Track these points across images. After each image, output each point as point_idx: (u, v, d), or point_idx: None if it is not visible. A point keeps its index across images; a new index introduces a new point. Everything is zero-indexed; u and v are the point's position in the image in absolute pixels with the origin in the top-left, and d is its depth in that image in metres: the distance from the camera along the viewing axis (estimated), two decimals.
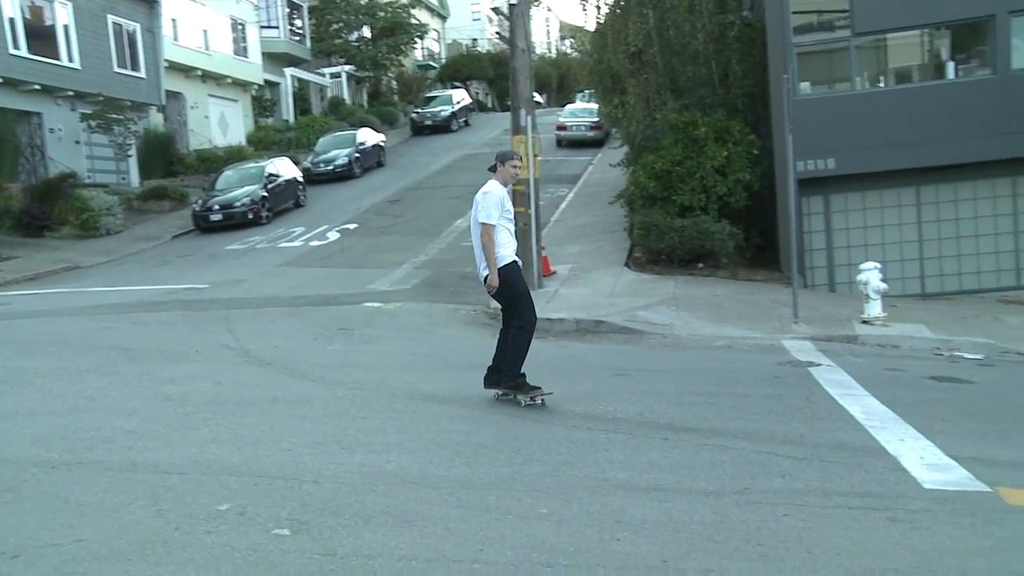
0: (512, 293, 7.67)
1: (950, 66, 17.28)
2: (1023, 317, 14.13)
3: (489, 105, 59.61)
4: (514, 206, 15.32)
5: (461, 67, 59.27)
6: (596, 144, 33.72)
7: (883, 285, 13.09)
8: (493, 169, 8.00)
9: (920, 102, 16.65)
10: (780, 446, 6.50)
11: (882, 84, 17.83)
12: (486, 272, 7.64)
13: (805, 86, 17.26)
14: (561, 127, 35.69)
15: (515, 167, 7.97)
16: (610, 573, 4.24)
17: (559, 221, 22.10)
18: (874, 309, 12.89)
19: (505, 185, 7.91)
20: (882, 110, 16.66)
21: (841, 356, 10.71)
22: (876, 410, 7.70)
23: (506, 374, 7.70)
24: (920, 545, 4.60)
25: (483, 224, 7.61)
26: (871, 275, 13.00)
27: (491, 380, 7.90)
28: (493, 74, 56.78)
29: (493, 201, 7.65)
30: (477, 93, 59.27)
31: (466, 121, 43.74)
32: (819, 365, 9.98)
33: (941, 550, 4.53)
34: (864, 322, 12.79)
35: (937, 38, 17.74)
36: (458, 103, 43.73)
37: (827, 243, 17.30)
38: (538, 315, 13.05)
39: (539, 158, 15.94)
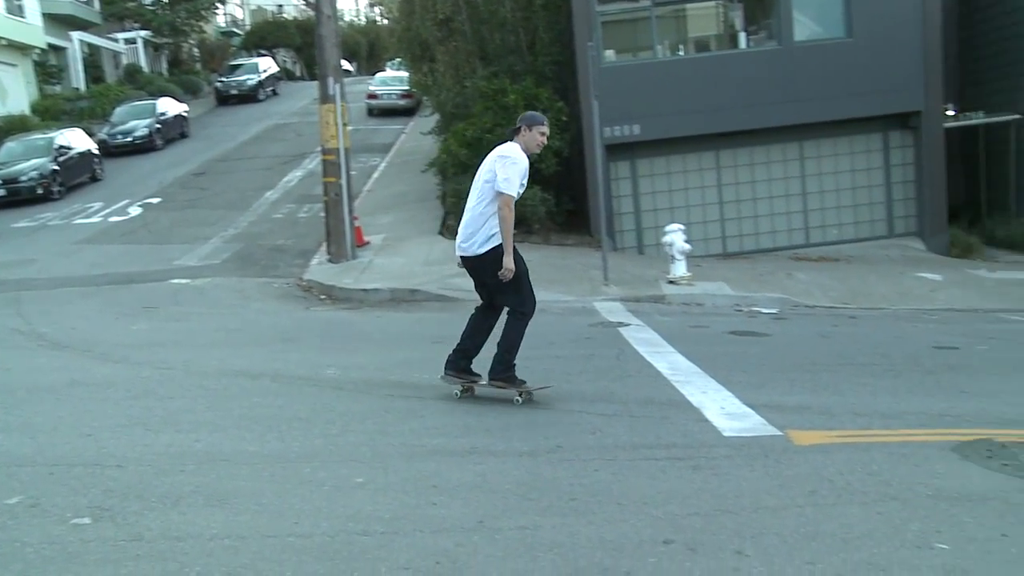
0: (514, 274, 6.46)
1: (742, 37, 18.16)
2: (812, 273, 15.11)
3: (298, 74, 57.98)
4: (324, 176, 15.24)
5: (267, 34, 57.26)
6: (408, 112, 33.50)
7: (687, 246, 13.68)
8: (515, 132, 6.60)
9: (717, 70, 17.41)
10: (591, 404, 6.70)
11: (682, 53, 18.51)
12: (483, 249, 6.43)
13: (610, 54, 17.72)
14: (372, 96, 35.21)
15: (543, 134, 6.60)
16: (427, 537, 4.25)
17: (372, 191, 21.84)
18: (679, 269, 13.46)
19: (527, 154, 6.51)
20: (683, 78, 17.33)
21: (649, 315, 11.13)
22: (681, 365, 8.05)
23: (498, 363, 6.63)
24: (719, 489, 4.85)
25: (501, 194, 6.31)
26: (676, 237, 13.56)
27: (457, 367, 6.81)
28: (300, 42, 55.12)
29: (518, 170, 6.35)
30: (285, 61, 57.54)
31: (274, 90, 42.43)
32: (628, 325, 10.33)
33: (738, 492, 4.79)
34: (670, 282, 13.34)
35: (731, 10, 18.61)
36: (265, 72, 42.31)
37: (635, 207, 17.90)
38: (352, 286, 13.04)
39: (349, 127, 15.69)
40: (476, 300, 6.88)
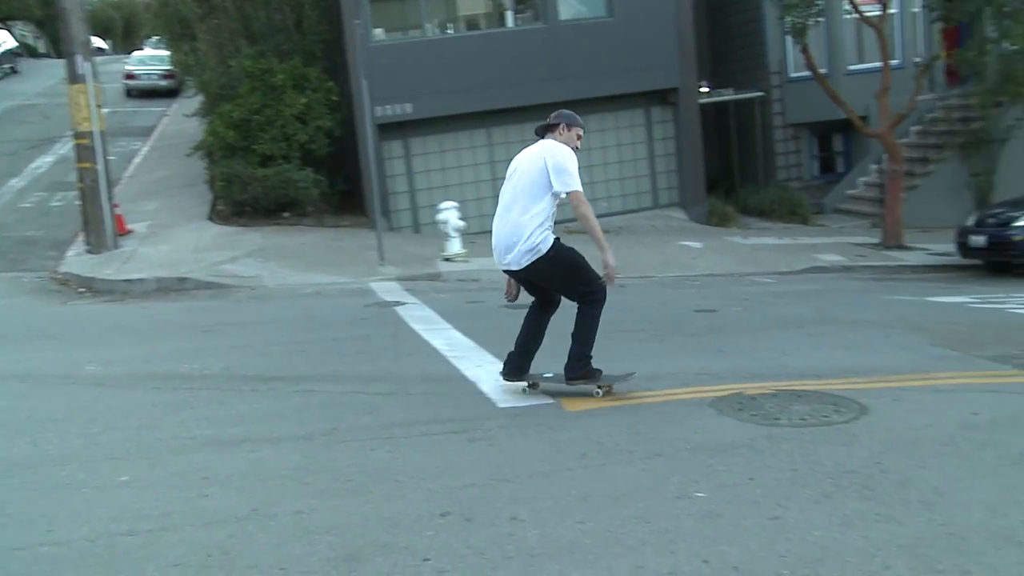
0: (571, 265, 6.00)
1: (509, 16, 18.49)
2: (582, 245, 15.55)
3: (42, 51, 53.68)
4: (78, 162, 14.25)
5: None
6: (171, 93, 31.84)
7: (462, 223, 13.83)
8: (546, 130, 6.10)
9: (486, 49, 17.65)
10: (368, 384, 6.66)
11: (452, 31, 18.61)
12: (534, 258, 5.83)
13: (379, 32, 17.56)
14: (130, 76, 33.26)
15: (580, 137, 6.13)
16: (198, 530, 4.09)
17: (134, 176, 20.69)
18: (455, 247, 13.60)
19: None
20: (453, 56, 17.43)
21: (426, 293, 11.18)
22: (458, 341, 8.15)
23: (576, 361, 6.04)
24: (495, 459, 4.95)
25: (572, 192, 5.78)
26: (450, 214, 13.69)
27: (522, 370, 6.24)
28: (42, 15, 51.09)
29: (575, 164, 5.84)
30: (24, 36, 53.11)
31: (13, 68, 38.98)
32: (405, 304, 10.35)
33: (512, 460, 4.91)
34: (446, 259, 13.46)
35: None
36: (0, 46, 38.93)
37: (409, 186, 17.89)
38: (114, 277, 12.31)
39: (104, 109, 14.77)
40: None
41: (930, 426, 5.36)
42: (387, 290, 11.38)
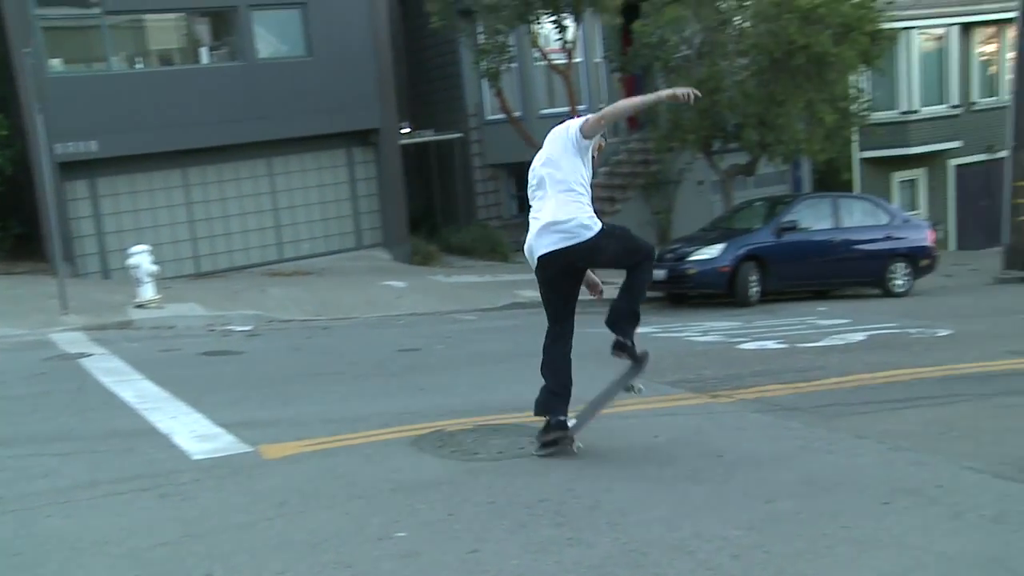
0: (622, 235, 5.69)
1: (204, 52, 17.91)
2: (285, 288, 15.36)
3: None
4: None
5: None
6: None
7: (155, 267, 13.12)
8: None
9: (181, 85, 17.01)
10: (45, 445, 6.09)
11: (141, 65, 17.71)
12: (587, 235, 5.36)
13: (57, 63, 16.38)
14: None
15: (601, 148, 5.68)
16: None
17: None
18: (147, 292, 12.88)
19: None
20: (144, 92, 16.66)
21: (116, 343, 10.49)
22: (150, 392, 7.68)
23: (628, 314, 5.80)
24: (188, 514, 4.68)
25: (592, 122, 5.37)
26: (142, 258, 12.95)
27: (545, 423, 5.72)
28: None
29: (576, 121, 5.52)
30: None
31: None
32: (91, 355, 9.64)
33: (207, 514, 4.66)
34: (139, 306, 12.71)
35: (194, 24, 18.22)
36: None
37: (97, 228, 16.77)
38: None
39: None
40: None
41: (617, 450, 5.71)
42: (71, 341, 10.54)
